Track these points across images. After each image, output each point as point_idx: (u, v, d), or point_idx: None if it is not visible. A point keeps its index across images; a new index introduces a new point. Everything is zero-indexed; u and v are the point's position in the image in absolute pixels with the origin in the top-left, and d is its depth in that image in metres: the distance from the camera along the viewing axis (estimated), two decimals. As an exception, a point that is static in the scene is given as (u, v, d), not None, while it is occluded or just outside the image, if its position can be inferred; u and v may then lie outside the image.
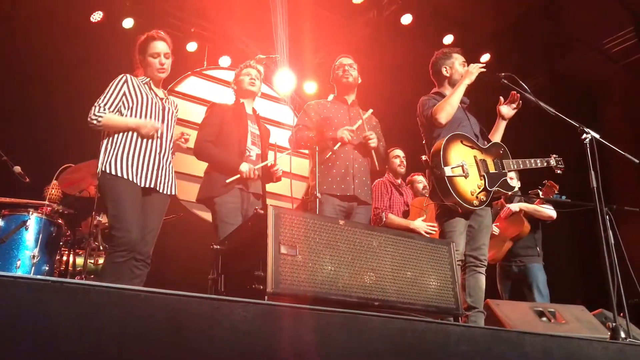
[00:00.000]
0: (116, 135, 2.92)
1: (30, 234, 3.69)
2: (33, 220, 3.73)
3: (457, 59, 3.53)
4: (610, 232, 2.95)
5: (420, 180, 4.76)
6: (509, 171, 3.37)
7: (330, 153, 3.49)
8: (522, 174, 4.81)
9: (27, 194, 4.09)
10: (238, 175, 3.28)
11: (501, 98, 3.56)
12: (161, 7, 5.99)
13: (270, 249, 1.84)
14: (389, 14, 6.38)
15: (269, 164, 3.50)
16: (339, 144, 3.48)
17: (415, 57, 6.19)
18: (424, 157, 3.42)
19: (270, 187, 3.68)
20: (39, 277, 1.42)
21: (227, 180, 3.26)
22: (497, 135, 3.53)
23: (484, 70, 3.41)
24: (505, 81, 3.30)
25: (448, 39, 6.51)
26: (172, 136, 3.13)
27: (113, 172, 2.82)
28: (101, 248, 4.19)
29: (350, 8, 6.23)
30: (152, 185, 2.92)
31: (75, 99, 4.20)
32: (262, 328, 1.56)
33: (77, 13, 5.55)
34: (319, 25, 6.27)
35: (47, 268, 3.73)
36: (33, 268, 3.59)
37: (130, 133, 2.92)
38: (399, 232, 2.20)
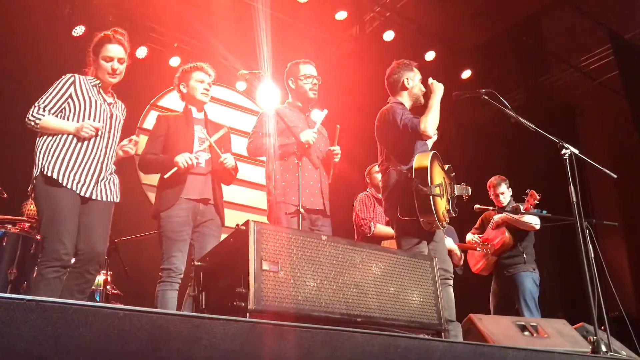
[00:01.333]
0: (56, 137, 2.81)
1: (7, 251, 3.61)
2: (10, 237, 3.66)
3: (418, 74, 3.57)
4: (590, 246, 2.99)
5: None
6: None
7: (296, 161, 3.35)
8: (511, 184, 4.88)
9: (5, 210, 4.02)
10: (175, 169, 3.13)
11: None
12: (144, 22, 5.99)
13: (252, 265, 1.82)
14: (372, 30, 6.46)
15: (214, 146, 3.36)
16: (301, 158, 3.36)
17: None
18: (392, 169, 3.32)
19: (238, 198, 3.60)
20: (12, 295, 1.38)
21: (165, 176, 3.14)
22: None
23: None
24: (486, 97, 3.34)
25: (430, 55, 6.60)
26: (115, 144, 3.01)
27: (54, 176, 2.71)
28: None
29: (333, 24, 6.29)
30: (92, 196, 2.81)
31: (55, 114, 4.15)
32: (244, 346, 1.54)
33: (60, 27, 5.52)
34: (302, 40, 6.31)
35: (24, 285, 3.65)
36: (10, 285, 3.51)
37: (70, 137, 2.81)
38: (381, 248, 2.19)
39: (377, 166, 4.72)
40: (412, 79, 3.52)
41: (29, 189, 2.86)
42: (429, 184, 3.06)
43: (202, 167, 3.31)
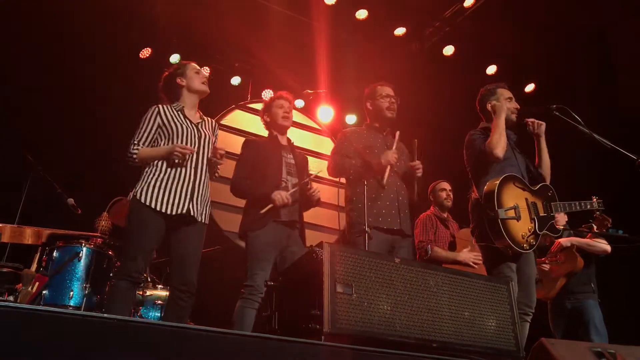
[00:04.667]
0: (152, 165, 2.96)
1: (82, 266, 3.76)
2: (85, 252, 3.82)
3: (503, 94, 3.49)
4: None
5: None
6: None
7: (385, 179, 3.36)
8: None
9: (79, 226, 4.20)
10: (271, 205, 3.25)
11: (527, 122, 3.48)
12: (206, 43, 6.17)
13: (327, 287, 1.81)
14: (431, 45, 6.39)
15: (305, 182, 3.48)
16: (387, 173, 3.36)
17: (458, 88, 6.17)
18: (474, 194, 3.34)
19: (311, 218, 3.64)
20: (104, 315, 1.44)
21: (262, 211, 3.25)
22: (543, 154, 3.46)
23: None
24: (557, 113, 3.23)
25: (491, 69, 6.47)
26: (206, 162, 3.11)
27: (142, 200, 2.85)
28: (149, 280, 4.24)
29: (392, 39, 6.27)
30: (184, 212, 2.90)
31: (127, 133, 4.33)
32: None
33: (127, 49, 5.77)
34: (360, 57, 6.33)
35: (97, 299, 3.79)
36: (85, 299, 3.65)
37: (163, 162, 2.95)
38: (455, 271, 2.14)
39: (441, 183, 4.67)
40: (497, 101, 3.45)
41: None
42: (496, 208, 3.02)
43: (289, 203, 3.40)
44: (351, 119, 6.89)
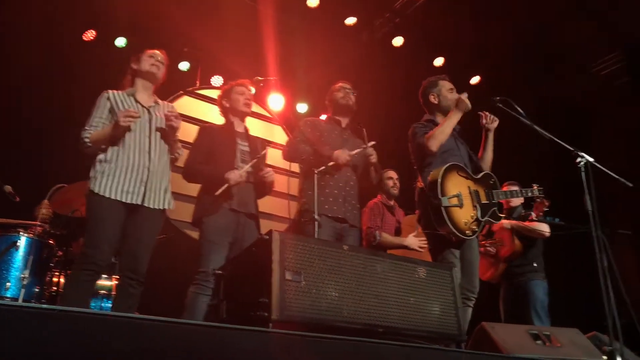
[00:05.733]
0: (102, 153, 2.90)
1: (20, 255, 3.62)
2: (23, 241, 3.67)
3: (444, 86, 3.62)
4: (605, 255, 2.97)
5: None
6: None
7: (324, 168, 3.46)
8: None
9: (18, 214, 4.03)
10: (226, 185, 3.22)
11: (481, 114, 3.61)
12: (153, 26, 5.99)
13: (276, 274, 1.82)
14: (381, 36, 6.46)
15: (259, 158, 3.45)
16: (331, 162, 3.47)
17: (407, 78, 6.25)
18: (419, 184, 3.44)
19: (261, 206, 3.65)
20: (43, 306, 1.39)
21: (217, 192, 3.21)
22: (488, 148, 3.61)
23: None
24: (501, 105, 3.34)
25: (438, 61, 6.60)
26: (161, 146, 3.06)
27: (96, 190, 2.80)
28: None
29: (343, 29, 6.29)
30: (138, 202, 2.87)
31: (68, 118, 4.16)
32: (268, 356, 1.54)
33: (70, 31, 5.53)
34: (311, 45, 6.31)
35: (37, 290, 3.65)
36: (23, 290, 3.51)
37: (116, 149, 2.89)
38: (401, 257, 2.20)
39: (388, 172, 4.75)
40: (438, 93, 3.60)
41: None
42: (440, 196, 3.13)
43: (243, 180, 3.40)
44: (302, 107, 6.88)
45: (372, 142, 3.59)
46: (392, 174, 4.76)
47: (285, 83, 6.41)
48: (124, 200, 2.83)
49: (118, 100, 3.02)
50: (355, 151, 3.54)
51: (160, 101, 3.26)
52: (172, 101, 6.09)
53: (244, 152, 3.50)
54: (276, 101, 6.53)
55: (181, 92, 6.22)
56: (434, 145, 3.32)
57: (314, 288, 1.88)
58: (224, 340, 1.52)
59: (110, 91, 3.06)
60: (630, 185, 3.23)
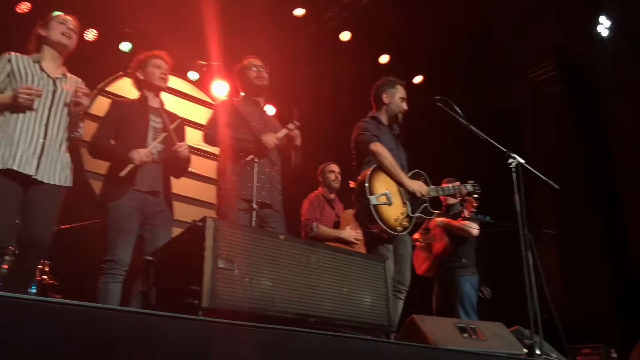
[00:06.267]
0: None
1: None
2: None
3: (399, 92, 3.69)
4: (530, 253, 3.12)
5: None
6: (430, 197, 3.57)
7: (252, 157, 3.32)
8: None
9: None
10: (131, 165, 3.03)
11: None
12: (95, 6, 5.74)
13: (208, 262, 1.79)
14: (329, 29, 6.47)
15: (169, 136, 3.25)
16: (251, 156, 3.34)
17: (352, 73, 6.32)
18: (352, 184, 3.53)
19: (190, 192, 3.51)
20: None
21: (121, 174, 3.03)
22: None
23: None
24: (440, 104, 3.43)
25: (384, 59, 6.69)
26: (61, 121, 2.89)
27: None
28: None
29: (290, 20, 6.26)
30: (32, 174, 2.70)
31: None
32: (197, 344, 1.51)
33: (2, 1, 5.22)
34: (258, 33, 6.24)
35: None
36: None
37: (12, 117, 2.71)
38: (336, 248, 2.21)
39: (330, 165, 4.78)
40: (392, 95, 3.65)
41: None
42: (368, 195, 3.22)
43: (154, 158, 3.20)
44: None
45: (297, 123, 3.48)
46: (334, 167, 4.78)
47: (231, 70, 6.30)
48: (15, 167, 2.65)
49: (21, 65, 2.82)
50: (281, 134, 3.43)
51: (69, 74, 3.05)
52: (111, 82, 5.88)
53: (156, 129, 3.29)
54: (220, 88, 6.41)
55: (121, 73, 5.99)
56: (375, 158, 3.39)
57: (247, 277, 1.87)
58: (151, 327, 1.48)
59: (12, 53, 2.84)
60: (557, 187, 3.40)
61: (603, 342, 5.03)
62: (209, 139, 3.49)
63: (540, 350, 2.81)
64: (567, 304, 7.36)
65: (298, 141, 3.45)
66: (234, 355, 1.54)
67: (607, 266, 6.96)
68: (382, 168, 3.37)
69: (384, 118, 3.65)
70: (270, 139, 3.35)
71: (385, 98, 3.64)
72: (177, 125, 3.39)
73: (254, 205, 3.15)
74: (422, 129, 6.26)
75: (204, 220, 1.86)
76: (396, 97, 3.65)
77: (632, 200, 7.19)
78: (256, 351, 1.57)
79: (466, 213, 4.68)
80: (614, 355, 4.64)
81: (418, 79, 6.88)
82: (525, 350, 2.84)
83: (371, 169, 3.34)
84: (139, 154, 3.05)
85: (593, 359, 4.74)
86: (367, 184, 3.26)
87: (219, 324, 1.57)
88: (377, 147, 3.38)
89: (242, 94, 3.70)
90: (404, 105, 3.66)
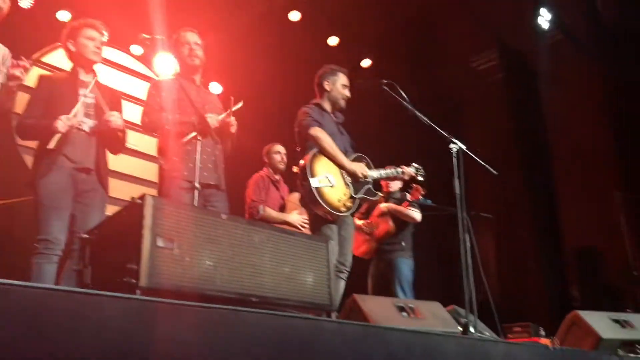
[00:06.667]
0: None
1: None
2: None
3: (341, 79, 3.75)
4: (467, 236, 3.22)
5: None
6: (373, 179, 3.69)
7: (194, 134, 3.23)
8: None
9: None
10: (58, 135, 2.91)
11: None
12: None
13: (146, 240, 1.75)
14: (278, 8, 6.38)
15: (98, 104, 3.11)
16: (194, 133, 3.25)
17: (301, 53, 6.28)
18: (295, 169, 3.61)
19: (119, 166, 3.40)
20: None
21: (49, 146, 2.91)
22: None
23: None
24: (386, 88, 3.47)
25: (333, 41, 6.68)
26: None
27: None
28: None
29: (240, -3, 6.13)
30: None
31: None
32: (135, 325, 1.48)
33: None
34: (203, 8, 6.07)
35: None
36: None
37: None
38: (279, 229, 2.22)
39: (276, 146, 4.75)
40: (333, 82, 3.72)
41: None
42: (309, 178, 3.32)
43: (85, 132, 3.09)
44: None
45: (239, 104, 3.40)
46: (280, 148, 4.76)
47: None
48: None
49: None
50: (222, 116, 3.37)
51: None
52: (47, 53, 5.59)
53: (88, 105, 3.15)
54: (165, 63, 6.21)
55: (58, 43, 5.70)
56: (316, 143, 3.47)
57: (188, 256, 1.84)
58: (87, 306, 1.43)
59: None
60: (495, 173, 3.52)
61: (532, 321, 5.30)
62: (147, 126, 3.38)
63: (474, 329, 2.92)
64: (501, 285, 7.70)
65: (233, 129, 3.38)
66: (173, 335, 1.52)
67: (539, 250, 7.32)
68: (322, 152, 3.45)
69: (326, 105, 3.72)
70: (214, 121, 3.28)
71: (327, 85, 3.71)
72: (113, 98, 3.27)
73: (197, 185, 3.09)
74: (368, 113, 6.33)
75: (143, 197, 1.81)
76: (338, 85, 3.72)
77: (565, 187, 7.56)
78: (196, 330, 1.55)
79: (409, 197, 4.79)
80: (542, 332, 4.90)
81: (366, 63, 6.92)
82: (460, 329, 2.95)
83: (312, 152, 3.42)
84: (62, 121, 2.92)
85: (523, 336, 4.98)
86: (308, 168, 3.34)
87: (157, 303, 1.54)
88: (317, 131, 3.46)
89: (178, 71, 3.61)
90: (346, 92, 3.75)
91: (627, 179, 6.96)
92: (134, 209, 1.84)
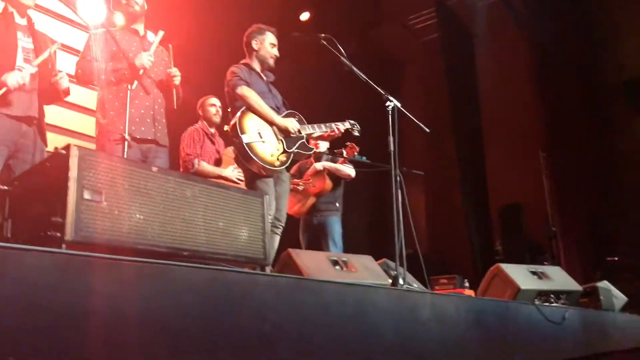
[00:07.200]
0: None
1: None
2: None
3: (269, 38, 3.74)
4: (400, 193, 3.31)
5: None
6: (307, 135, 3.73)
7: (136, 84, 3.19)
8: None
9: None
10: (4, 89, 2.78)
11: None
12: None
13: (72, 193, 1.67)
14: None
15: (47, 60, 3.01)
16: (136, 83, 3.20)
17: (241, 5, 6.07)
18: (225, 128, 3.65)
19: (54, 120, 3.27)
20: None
21: None
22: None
23: None
24: (324, 42, 3.44)
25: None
26: None
27: None
28: None
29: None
30: None
31: None
32: (61, 279, 1.43)
33: None
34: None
35: None
36: None
37: None
38: (213, 183, 2.18)
39: (211, 98, 4.62)
40: (262, 41, 3.71)
41: None
42: (239, 134, 3.35)
43: (26, 83, 2.91)
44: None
45: (160, 33, 3.40)
46: (215, 100, 4.63)
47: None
48: None
49: None
50: (153, 48, 3.31)
51: None
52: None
53: (27, 50, 3.01)
54: (92, 9, 5.82)
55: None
56: (243, 102, 3.48)
57: (117, 209, 1.78)
58: (8, 260, 1.36)
59: None
60: (428, 130, 3.60)
61: (459, 274, 5.58)
62: (80, 78, 3.28)
63: (404, 281, 3.04)
64: (430, 240, 8.03)
65: (177, 80, 3.34)
66: (100, 290, 1.48)
67: (466, 206, 7.65)
68: (251, 110, 3.45)
69: (255, 65, 3.72)
70: (145, 59, 3.18)
71: (255, 44, 3.70)
72: (45, 46, 3.10)
73: (126, 137, 3.00)
74: (304, 69, 6.27)
75: (67, 148, 1.72)
76: (266, 44, 3.71)
77: (494, 147, 7.88)
78: (125, 285, 1.52)
79: (345, 154, 4.84)
80: (466, 284, 5.18)
81: (305, 16, 6.80)
82: (390, 281, 3.07)
83: (241, 110, 3.43)
84: (14, 77, 2.79)
85: (448, 288, 5.24)
86: (237, 125, 3.35)
87: (84, 257, 1.49)
88: (244, 90, 3.46)
89: (120, 22, 3.53)
90: (275, 51, 3.75)
91: (552, 140, 7.34)
92: (58, 159, 1.75)
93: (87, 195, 1.70)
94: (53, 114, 3.26)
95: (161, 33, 3.39)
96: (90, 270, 1.49)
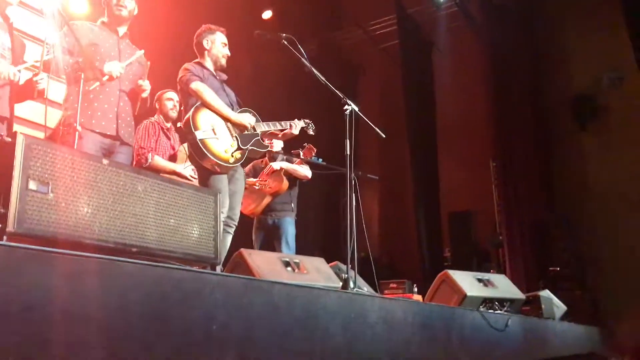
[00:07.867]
0: None
1: None
2: None
3: (220, 37, 3.75)
4: (354, 196, 3.34)
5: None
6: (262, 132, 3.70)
7: (97, 84, 3.16)
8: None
9: None
10: None
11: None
12: None
13: (17, 183, 1.61)
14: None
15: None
16: (106, 77, 3.18)
17: (206, 2, 5.99)
18: (179, 124, 3.62)
19: (19, 112, 3.20)
20: None
21: None
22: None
23: None
24: (285, 42, 3.43)
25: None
26: None
27: None
28: None
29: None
30: None
31: None
32: (1, 273, 1.37)
33: None
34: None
35: None
36: None
37: None
38: (166, 179, 2.14)
39: (168, 92, 4.53)
40: (212, 41, 3.72)
41: None
42: (193, 131, 3.31)
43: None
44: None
45: (140, 53, 3.43)
46: (173, 94, 4.53)
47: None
48: None
49: None
50: (127, 62, 3.31)
51: None
52: None
53: (3, 47, 2.97)
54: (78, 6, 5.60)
55: None
56: (197, 96, 3.45)
57: (64, 202, 1.72)
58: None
59: None
60: (384, 136, 3.65)
61: (408, 279, 5.68)
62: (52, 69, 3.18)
63: (354, 284, 3.07)
64: (382, 244, 8.12)
65: (145, 94, 3.39)
66: (43, 285, 1.43)
67: (418, 213, 7.78)
68: (205, 105, 3.42)
69: (208, 64, 3.71)
70: (115, 67, 3.18)
71: (206, 44, 3.70)
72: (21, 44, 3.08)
73: (78, 127, 2.93)
74: (263, 69, 6.24)
75: (13, 135, 1.65)
76: (217, 43, 3.72)
77: (447, 155, 8.05)
78: (69, 280, 1.47)
79: (301, 155, 4.85)
80: (415, 289, 5.28)
81: (267, 15, 6.77)
82: (341, 284, 3.09)
83: (195, 106, 3.40)
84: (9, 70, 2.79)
85: (398, 292, 5.32)
86: (191, 120, 3.31)
87: (27, 250, 1.43)
88: (198, 85, 3.44)
89: (103, 19, 3.45)
90: (226, 50, 3.75)
91: (502, 150, 7.57)
92: (3, 148, 1.68)
93: (32, 185, 1.64)
94: (31, 110, 3.18)
95: (139, 52, 3.42)
96: (32, 264, 1.44)
